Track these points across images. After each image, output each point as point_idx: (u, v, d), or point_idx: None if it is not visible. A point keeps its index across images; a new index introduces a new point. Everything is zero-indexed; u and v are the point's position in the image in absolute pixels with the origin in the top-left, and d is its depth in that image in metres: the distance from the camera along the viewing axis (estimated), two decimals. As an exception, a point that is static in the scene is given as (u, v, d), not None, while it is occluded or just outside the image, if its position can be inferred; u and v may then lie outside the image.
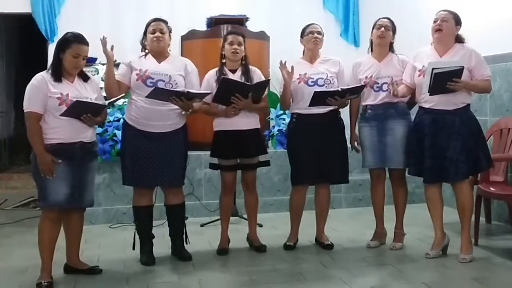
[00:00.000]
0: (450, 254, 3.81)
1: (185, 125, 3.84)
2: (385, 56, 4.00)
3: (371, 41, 4.06)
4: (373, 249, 4.06)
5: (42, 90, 3.27)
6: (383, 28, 3.95)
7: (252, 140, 3.96)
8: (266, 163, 4.06)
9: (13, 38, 9.31)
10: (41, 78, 3.31)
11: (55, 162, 3.26)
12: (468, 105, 3.71)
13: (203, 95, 3.79)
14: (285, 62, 3.92)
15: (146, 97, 3.57)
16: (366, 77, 3.99)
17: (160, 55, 3.76)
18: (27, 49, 8.91)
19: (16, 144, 8.09)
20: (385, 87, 3.94)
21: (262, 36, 5.75)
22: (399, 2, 6.02)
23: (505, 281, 3.39)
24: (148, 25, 3.76)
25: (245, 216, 4.38)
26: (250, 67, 3.98)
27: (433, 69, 3.50)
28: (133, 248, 3.86)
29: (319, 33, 4.02)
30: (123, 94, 3.63)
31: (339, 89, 3.85)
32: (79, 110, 3.30)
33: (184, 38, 5.72)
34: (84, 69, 3.51)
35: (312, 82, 3.95)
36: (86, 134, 3.40)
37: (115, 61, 3.67)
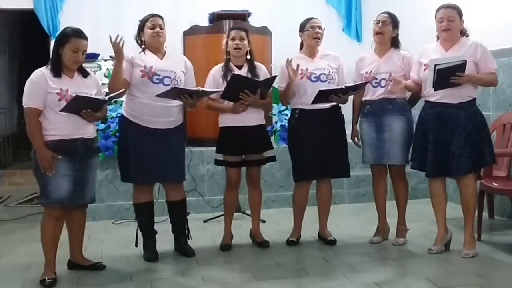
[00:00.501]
0: (453, 250, 3.81)
1: (183, 121, 3.87)
2: (386, 52, 3.99)
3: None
4: (376, 245, 4.06)
5: (41, 86, 3.26)
6: (380, 24, 3.94)
7: (259, 136, 3.97)
8: (273, 159, 4.06)
9: (15, 34, 9.33)
10: (41, 73, 3.30)
11: (55, 158, 3.25)
12: (474, 99, 3.69)
13: (214, 93, 3.80)
14: (291, 60, 3.91)
15: (158, 96, 3.55)
16: (366, 72, 3.99)
17: (159, 50, 3.75)
18: (29, 45, 8.93)
19: (19, 141, 8.10)
20: (383, 83, 3.93)
21: (264, 31, 5.74)
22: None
23: (508, 276, 3.39)
24: (145, 20, 3.74)
25: (248, 212, 4.39)
26: (256, 63, 3.97)
27: (435, 65, 3.49)
28: (136, 245, 3.88)
29: (320, 28, 4.01)
30: (123, 90, 3.62)
31: (343, 86, 3.85)
32: (79, 106, 3.29)
33: (186, 33, 5.72)
34: (86, 64, 3.50)
35: (315, 77, 3.95)
36: (87, 130, 3.40)
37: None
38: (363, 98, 4.06)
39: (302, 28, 4.04)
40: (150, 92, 3.62)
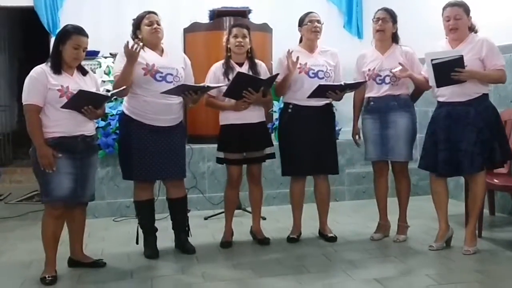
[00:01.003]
0: (454, 246, 3.80)
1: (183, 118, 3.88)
2: (388, 49, 3.98)
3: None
4: (377, 242, 4.06)
5: (41, 82, 3.24)
6: (380, 21, 3.92)
7: (260, 133, 3.97)
8: (272, 156, 4.06)
9: (15, 31, 9.32)
10: (41, 70, 3.29)
11: (56, 157, 3.24)
12: (484, 95, 3.64)
13: (219, 88, 3.80)
14: (292, 52, 3.89)
15: (163, 93, 3.55)
16: (369, 70, 3.97)
17: (157, 47, 3.74)
18: (29, 42, 8.92)
19: (19, 138, 8.10)
20: (387, 79, 3.92)
21: (265, 28, 5.74)
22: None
23: (508, 273, 3.38)
24: (141, 18, 3.71)
25: (249, 209, 4.39)
26: (256, 60, 3.97)
27: (431, 60, 3.47)
28: (137, 243, 3.87)
29: (319, 22, 3.99)
30: (125, 87, 3.60)
31: (343, 83, 3.84)
32: (81, 101, 3.28)
33: (186, 30, 5.72)
34: (86, 62, 3.50)
35: (313, 73, 3.94)
36: (87, 127, 3.40)
37: (116, 53, 3.63)
38: (367, 95, 4.04)
39: (301, 23, 4.03)
40: (153, 89, 3.60)
